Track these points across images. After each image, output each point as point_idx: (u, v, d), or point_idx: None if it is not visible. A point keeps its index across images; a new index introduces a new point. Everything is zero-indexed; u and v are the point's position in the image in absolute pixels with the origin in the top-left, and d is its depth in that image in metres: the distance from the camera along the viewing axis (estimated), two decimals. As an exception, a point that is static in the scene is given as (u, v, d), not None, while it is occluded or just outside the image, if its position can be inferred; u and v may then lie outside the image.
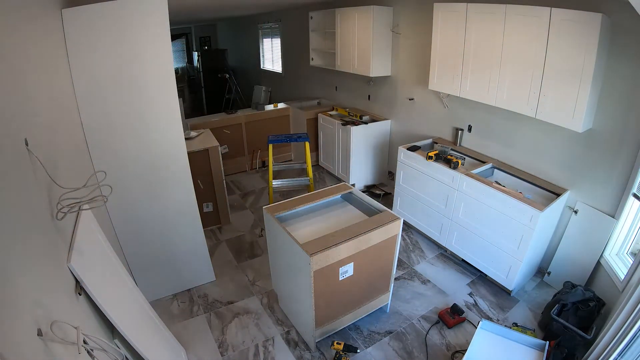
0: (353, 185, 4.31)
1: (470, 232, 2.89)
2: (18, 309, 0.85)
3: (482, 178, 2.81)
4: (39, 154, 1.17)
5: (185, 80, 8.99)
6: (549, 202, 2.53)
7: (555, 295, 2.46)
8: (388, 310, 2.62)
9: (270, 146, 3.44)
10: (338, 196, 2.58)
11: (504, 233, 2.61)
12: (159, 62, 2.13)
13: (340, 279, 2.11)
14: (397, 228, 2.25)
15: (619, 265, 2.32)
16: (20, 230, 0.99)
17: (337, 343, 2.24)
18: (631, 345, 1.57)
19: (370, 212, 2.40)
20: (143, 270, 2.55)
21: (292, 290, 2.35)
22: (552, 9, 2.19)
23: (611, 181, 2.39)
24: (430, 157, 3.11)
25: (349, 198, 2.61)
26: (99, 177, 1.40)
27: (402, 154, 3.47)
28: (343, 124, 4.30)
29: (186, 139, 2.79)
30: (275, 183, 3.47)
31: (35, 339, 0.86)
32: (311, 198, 2.48)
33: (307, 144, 3.47)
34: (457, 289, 2.84)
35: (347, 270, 2.12)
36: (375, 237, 2.14)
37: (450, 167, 2.95)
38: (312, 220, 2.37)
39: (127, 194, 2.30)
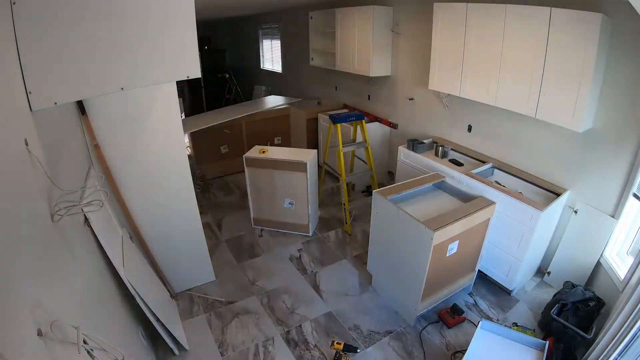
0: (353, 185, 4.31)
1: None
2: (18, 309, 0.85)
3: (482, 178, 2.81)
4: (39, 155, 1.17)
5: (185, 80, 8.97)
6: (549, 202, 2.53)
7: (555, 295, 2.46)
8: (471, 289, 2.81)
9: (338, 126, 3.51)
10: (430, 185, 2.74)
11: (504, 233, 2.61)
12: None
13: (447, 254, 2.32)
14: (491, 212, 2.45)
15: (619, 265, 2.32)
16: (21, 230, 0.99)
17: (337, 343, 2.24)
18: (631, 345, 1.57)
19: (464, 198, 2.56)
20: (143, 270, 2.55)
21: (400, 268, 2.50)
22: (552, 9, 2.18)
23: (611, 181, 2.39)
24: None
25: (441, 186, 2.77)
26: (97, 180, 1.40)
27: (402, 153, 3.47)
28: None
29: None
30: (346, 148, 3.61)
31: (36, 339, 0.86)
32: (410, 185, 2.68)
33: (364, 122, 3.66)
34: (457, 289, 2.84)
35: (453, 248, 2.32)
36: (477, 218, 2.36)
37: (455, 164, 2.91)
38: (415, 205, 2.52)
39: (126, 194, 2.30)
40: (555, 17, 2.18)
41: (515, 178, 2.89)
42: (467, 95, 2.92)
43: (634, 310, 1.56)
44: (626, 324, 1.58)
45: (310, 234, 3.56)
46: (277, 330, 2.49)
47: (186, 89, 8.19)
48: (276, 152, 3.44)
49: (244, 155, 3.39)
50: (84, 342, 1.00)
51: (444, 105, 3.47)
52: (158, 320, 2.03)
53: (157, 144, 2.30)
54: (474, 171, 2.90)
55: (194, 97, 9.13)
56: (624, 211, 2.32)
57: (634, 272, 1.90)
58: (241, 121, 4.84)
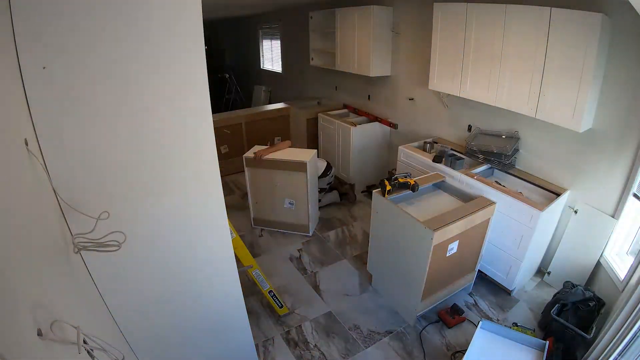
0: (353, 185, 4.31)
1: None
2: (18, 309, 0.85)
3: (482, 178, 2.81)
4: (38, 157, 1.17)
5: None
6: (549, 202, 2.53)
7: (555, 295, 2.46)
8: (471, 289, 2.82)
9: None
10: (430, 185, 2.73)
11: (504, 233, 2.61)
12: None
13: (447, 255, 2.32)
14: (491, 212, 2.45)
15: (619, 265, 2.32)
16: (21, 229, 0.99)
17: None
18: (631, 345, 1.57)
19: (464, 198, 2.58)
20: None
21: (400, 268, 2.50)
22: (552, 9, 2.19)
23: (611, 181, 2.39)
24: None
25: (441, 186, 2.78)
26: (102, 217, 1.35)
27: (402, 153, 3.47)
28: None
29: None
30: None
31: (36, 339, 0.86)
32: None
33: None
34: (457, 289, 2.84)
35: (453, 248, 2.33)
36: (477, 218, 2.37)
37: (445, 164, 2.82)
38: (415, 205, 2.54)
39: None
40: (555, 17, 2.18)
41: (515, 178, 2.89)
42: (467, 95, 2.92)
43: (634, 310, 1.56)
44: (626, 324, 1.59)
45: (310, 234, 3.56)
46: (277, 330, 2.49)
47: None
48: (276, 152, 3.43)
49: (244, 155, 3.39)
50: (84, 342, 1.00)
51: (444, 105, 3.47)
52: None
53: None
54: (474, 171, 2.90)
55: (193, 97, 9.09)
56: (624, 211, 2.32)
57: (634, 272, 1.90)
58: (241, 121, 4.84)
